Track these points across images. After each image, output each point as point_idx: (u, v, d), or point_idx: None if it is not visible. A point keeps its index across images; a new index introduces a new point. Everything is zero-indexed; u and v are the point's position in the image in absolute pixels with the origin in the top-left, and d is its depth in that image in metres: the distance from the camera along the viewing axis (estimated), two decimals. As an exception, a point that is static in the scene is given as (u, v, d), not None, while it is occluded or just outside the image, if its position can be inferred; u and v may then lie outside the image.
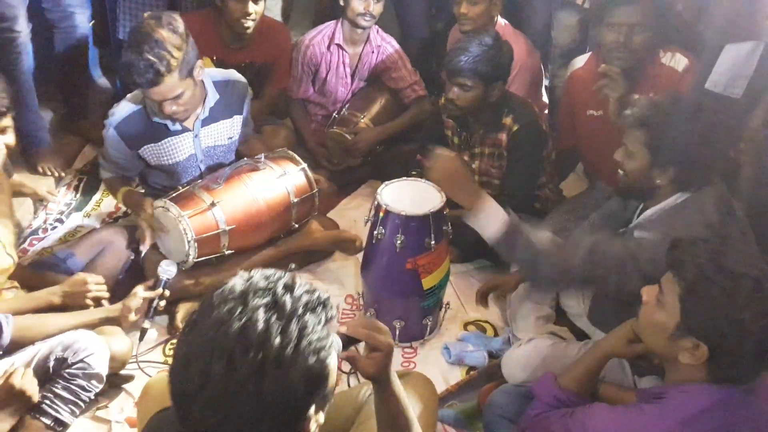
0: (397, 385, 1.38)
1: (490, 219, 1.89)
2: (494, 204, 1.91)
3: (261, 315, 0.97)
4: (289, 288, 1.03)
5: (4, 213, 2.26)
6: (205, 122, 2.56)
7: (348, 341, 1.34)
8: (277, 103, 3.36)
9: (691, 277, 1.40)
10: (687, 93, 2.45)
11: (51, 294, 2.15)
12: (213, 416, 0.95)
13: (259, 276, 1.05)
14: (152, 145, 2.51)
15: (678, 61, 2.55)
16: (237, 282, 1.04)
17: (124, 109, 2.47)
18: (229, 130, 2.65)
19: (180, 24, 2.31)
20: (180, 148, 2.55)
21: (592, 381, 1.74)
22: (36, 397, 1.86)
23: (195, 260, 2.42)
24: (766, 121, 2.18)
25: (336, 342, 1.09)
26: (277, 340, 0.96)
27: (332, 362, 1.04)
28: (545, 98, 3.42)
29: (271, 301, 1.00)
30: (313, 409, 1.02)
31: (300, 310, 1.00)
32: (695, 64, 2.51)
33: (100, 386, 1.99)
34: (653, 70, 2.57)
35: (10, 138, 2.12)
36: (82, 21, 3.13)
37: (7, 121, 2.10)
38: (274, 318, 0.98)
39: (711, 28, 2.37)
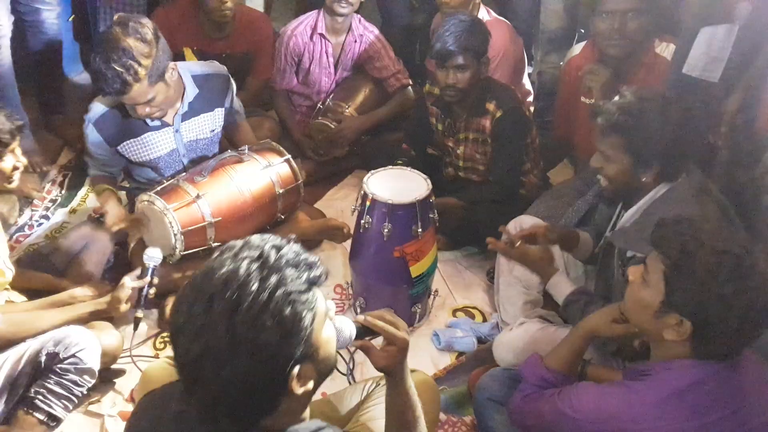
0: (409, 381, 1.43)
1: (562, 288, 2.13)
2: (563, 276, 2.19)
3: (245, 264, 1.06)
4: (278, 246, 1.11)
5: None
6: (185, 116, 2.55)
7: (365, 332, 1.38)
8: (260, 94, 3.36)
9: (674, 254, 1.42)
10: (668, 79, 2.47)
11: (97, 304, 2.16)
12: (194, 347, 1.04)
13: (256, 237, 1.14)
14: (131, 140, 2.50)
15: (670, 51, 2.53)
16: (237, 241, 1.13)
17: (102, 105, 2.46)
18: (211, 123, 2.64)
19: (148, 30, 2.29)
20: (160, 144, 2.54)
21: (578, 360, 1.77)
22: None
23: (182, 253, 2.42)
24: (743, 105, 2.19)
25: (330, 306, 1.17)
26: (254, 286, 1.04)
27: (308, 318, 1.08)
28: (528, 86, 3.44)
29: (258, 255, 1.08)
30: (297, 368, 1.07)
31: (282, 264, 1.08)
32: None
33: (93, 381, 1.99)
34: (647, 59, 2.57)
35: (21, 160, 2.11)
36: (49, 17, 3.10)
37: (15, 144, 2.08)
38: (255, 267, 1.06)
39: (687, 12, 2.38)
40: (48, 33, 3.12)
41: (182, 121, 2.55)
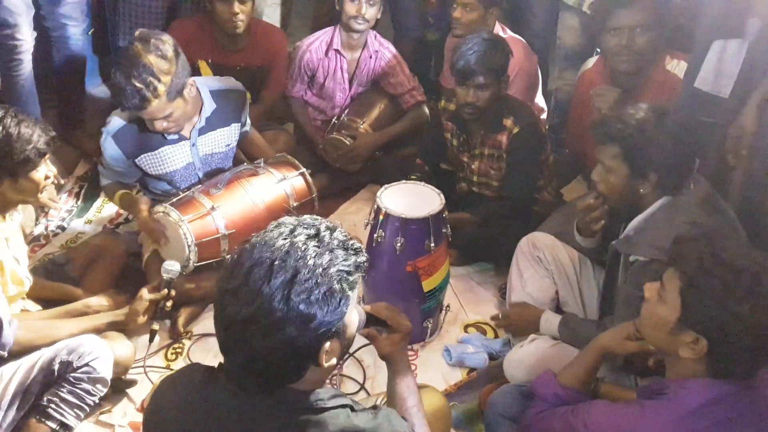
0: (409, 370, 1.55)
1: (552, 322, 2.26)
2: (549, 316, 2.30)
3: (303, 239, 1.17)
4: (331, 228, 1.23)
5: (21, 235, 2.27)
6: (202, 131, 2.57)
7: (370, 321, 1.48)
8: (275, 107, 3.38)
9: (691, 271, 1.41)
10: (680, 94, 2.46)
11: (115, 316, 2.18)
12: (246, 310, 1.13)
13: (307, 217, 1.25)
14: (149, 154, 2.52)
15: (682, 68, 2.53)
16: (289, 218, 1.24)
17: (120, 118, 2.48)
18: (227, 137, 2.67)
19: (169, 47, 2.32)
20: (177, 157, 2.57)
21: (591, 377, 1.75)
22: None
23: (195, 264, 2.43)
24: (754, 122, 2.18)
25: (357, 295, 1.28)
26: (312, 261, 1.15)
27: (350, 298, 1.20)
28: (542, 103, 3.44)
29: (314, 233, 1.20)
30: (328, 343, 1.18)
31: (335, 244, 1.19)
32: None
33: (105, 390, 1.99)
34: (658, 76, 2.56)
35: (52, 169, 2.15)
36: (75, 33, 3.14)
37: (48, 155, 2.12)
38: (312, 244, 1.17)
39: (700, 26, 2.37)
40: (73, 48, 3.17)
41: (199, 136, 2.57)
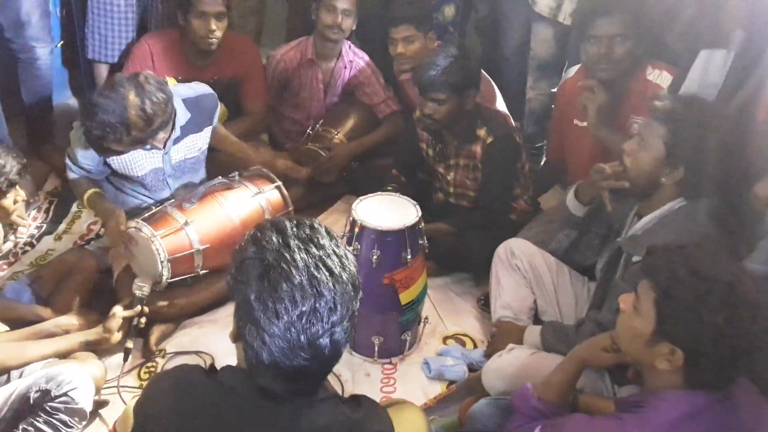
0: None
1: (533, 333, 2.27)
2: (532, 328, 2.31)
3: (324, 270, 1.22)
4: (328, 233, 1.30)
5: None
6: (177, 140, 2.55)
7: None
8: (263, 119, 3.34)
9: (665, 282, 1.41)
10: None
11: (88, 335, 2.15)
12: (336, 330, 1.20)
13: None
14: (121, 156, 2.49)
15: (664, 79, 2.54)
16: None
17: None
18: (201, 141, 2.65)
19: (159, 109, 2.32)
20: (147, 162, 2.54)
21: (569, 390, 1.74)
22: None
23: (169, 281, 2.38)
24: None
25: None
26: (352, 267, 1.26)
27: None
28: (503, 109, 3.42)
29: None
30: None
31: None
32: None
33: (83, 423, 1.94)
34: (637, 86, 2.57)
35: (21, 194, 2.14)
36: (43, 54, 3.10)
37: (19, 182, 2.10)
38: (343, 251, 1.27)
39: (684, 36, 2.39)
40: (41, 68, 3.13)
41: (174, 144, 2.54)
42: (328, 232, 1.27)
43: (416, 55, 3.01)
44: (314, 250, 1.21)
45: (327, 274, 1.19)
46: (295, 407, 1.23)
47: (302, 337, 1.16)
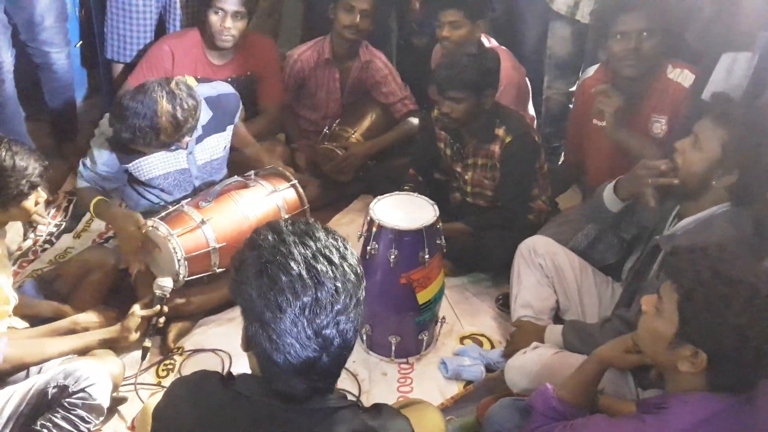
0: None
1: (555, 332, 2.25)
2: (553, 327, 2.29)
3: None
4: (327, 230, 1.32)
5: (5, 253, 2.24)
6: (199, 139, 2.56)
7: None
8: (278, 118, 3.33)
9: (688, 284, 1.39)
10: (685, 104, 2.44)
11: (106, 333, 2.16)
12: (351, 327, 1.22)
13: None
14: (143, 159, 2.49)
15: (686, 77, 2.50)
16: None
17: None
18: (224, 141, 2.67)
19: (190, 116, 2.36)
20: (172, 161, 2.55)
21: (591, 392, 1.72)
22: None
23: (186, 279, 2.39)
24: None
25: None
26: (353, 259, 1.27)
27: None
28: (532, 111, 3.42)
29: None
30: None
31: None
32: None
33: (100, 419, 1.95)
34: (659, 84, 2.54)
35: (42, 195, 2.15)
36: (59, 59, 3.11)
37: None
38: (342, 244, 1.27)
39: (709, 38, 2.35)
40: (58, 72, 3.14)
41: (196, 144, 2.55)
42: (324, 227, 1.28)
43: (459, 41, 2.99)
44: (311, 242, 1.21)
45: (326, 263, 1.19)
46: (313, 415, 1.23)
47: (309, 330, 1.16)
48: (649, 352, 1.53)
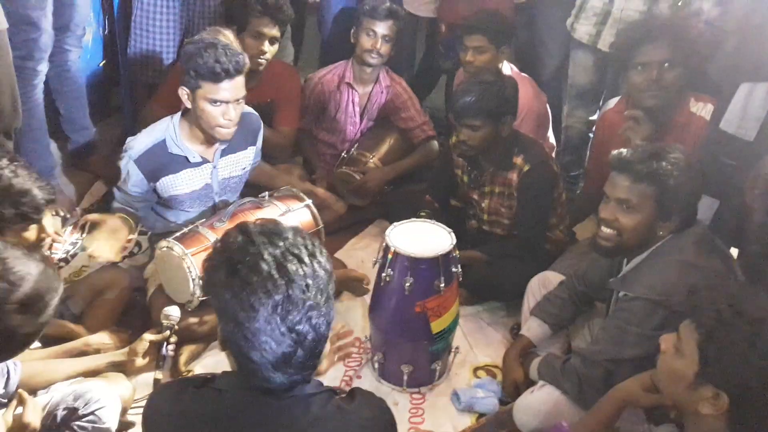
0: None
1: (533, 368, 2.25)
2: (534, 362, 2.26)
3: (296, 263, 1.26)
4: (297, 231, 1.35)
5: None
6: (224, 153, 2.58)
7: None
8: (292, 143, 3.33)
9: (709, 323, 1.36)
10: (706, 135, 2.42)
11: (115, 356, 2.11)
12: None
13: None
14: (170, 176, 2.51)
15: (708, 111, 2.47)
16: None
17: (144, 141, 2.47)
18: (245, 160, 2.68)
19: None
20: (197, 179, 2.56)
21: (608, 430, 1.68)
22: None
23: (200, 299, 2.38)
24: None
25: None
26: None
27: None
28: (552, 140, 3.40)
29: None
30: None
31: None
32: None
33: None
34: (682, 118, 2.51)
35: (47, 232, 2.09)
36: (75, 59, 3.13)
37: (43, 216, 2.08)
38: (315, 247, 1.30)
39: (728, 68, 2.33)
40: (71, 69, 3.14)
41: (221, 157, 2.57)
42: (293, 228, 1.30)
43: (483, 66, 2.99)
44: (279, 242, 1.25)
45: (296, 261, 1.23)
46: (290, 401, 1.28)
47: (282, 327, 1.20)
48: (668, 393, 1.49)
